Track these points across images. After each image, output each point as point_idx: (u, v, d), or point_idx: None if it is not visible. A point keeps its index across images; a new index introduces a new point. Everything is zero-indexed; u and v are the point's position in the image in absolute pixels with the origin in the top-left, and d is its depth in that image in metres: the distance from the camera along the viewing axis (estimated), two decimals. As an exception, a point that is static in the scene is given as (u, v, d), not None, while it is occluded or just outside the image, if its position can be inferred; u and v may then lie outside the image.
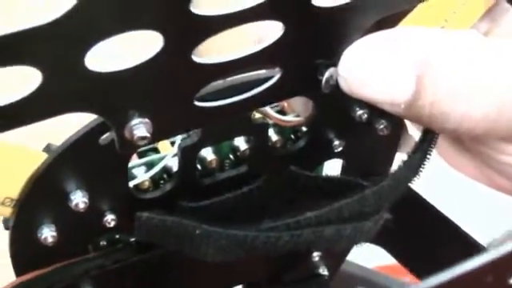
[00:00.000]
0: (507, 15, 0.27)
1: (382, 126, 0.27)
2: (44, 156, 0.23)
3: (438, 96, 0.23)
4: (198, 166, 0.26)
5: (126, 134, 0.22)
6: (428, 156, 0.26)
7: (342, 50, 0.23)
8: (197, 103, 0.22)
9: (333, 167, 0.29)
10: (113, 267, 0.26)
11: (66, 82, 0.19)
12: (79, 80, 0.19)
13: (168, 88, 0.21)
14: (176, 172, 0.25)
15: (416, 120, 0.24)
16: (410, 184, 0.27)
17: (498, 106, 0.23)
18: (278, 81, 0.23)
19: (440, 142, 0.30)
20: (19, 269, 0.24)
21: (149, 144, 0.22)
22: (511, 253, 0.15)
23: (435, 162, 0.29)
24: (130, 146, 0.22)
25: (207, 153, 0.26)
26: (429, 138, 0.26)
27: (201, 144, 0.25)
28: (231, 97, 0.23)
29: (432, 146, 0.26)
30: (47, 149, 0.23)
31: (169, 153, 0.26)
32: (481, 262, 0.14)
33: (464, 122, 0.23)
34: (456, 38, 0.24)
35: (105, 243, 0.27)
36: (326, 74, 0.23)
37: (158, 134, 0.22)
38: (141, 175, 0.25)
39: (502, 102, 0.23)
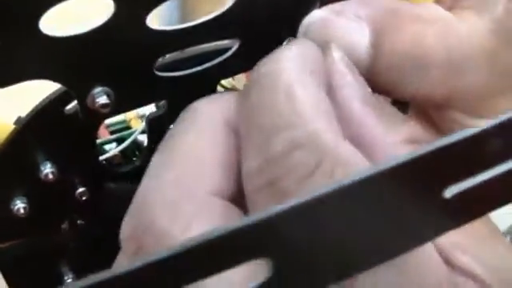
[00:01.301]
0: None
1: None
2: (14, 129, 0.24)
3: (395, 61, 0.23)
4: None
5: (89, 102, 0.22)
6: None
7: (301, 20, 0.24)
8: (158, 73, 0.23)
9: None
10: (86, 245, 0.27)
11: (23, 46, 0.20)
12: (35, 45, 0.20)
13: (124, 56, 0.22)
14: (146, 146, 0.26)
15: (376, 87, 0.24)
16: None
17: (454, 69, 0.24)
18: (238, 50, 0.24)
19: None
20: None
21: (113, 114, 0.23)
22: None
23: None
24: (93, 115, 0.23)
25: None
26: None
27: (168, 117, 0.25)
28: (193, 67, 0.24)
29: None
30: (18, 122, 0.24)
31: (138, 128, 0.27)
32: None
33: (422, 86, 0.24)
34: (414, 8, 0.24)
35: (82, 222, 0.27)
36: (285, 44, 0.24)
37: (121, 103, 0.23)
38: (112, 150, 0.26)
39: (459, 71, 0.24)
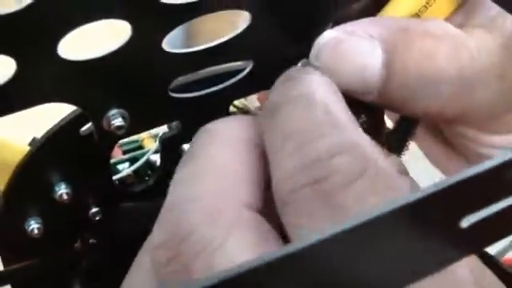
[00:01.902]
0: (481, 8, 0.27)
1: (360, 120, 0.28)
2: (30, 150, 0.24)
3: (407, 79, 0.23)
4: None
5: (104, 124, 0.22)
6: (405, 144, 0.26)
7: (313, 41, 0.24)
8: (172, 94, 0.23)
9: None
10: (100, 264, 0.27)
11: (40, 70, 0.20)
12: (53, 68, 0.20)
13: (140, 78, 0.22)
14: (159, 166, 0.26)
15: (388, 105, 0.25)
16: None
17: (465, 86, 0.24)
18: (251, 71, 0.24)
19: (425, 142, 0.30)
20: (6, 259, 0.25)
21: (128, 135, 0.23)
22: None
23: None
24: (108, 137, 0.23)
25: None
26: (403, 124, 0.26)
27: (181, 137, 0.25)
28: (207, 88, 0.24)
29: (407, 135, 0.26)
30: (33, 143, 0.24)
31: (151, 147, 0.27)
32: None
33: (433, 102, 0.24)
34: (424, 25, 0.24)
35: (94, 241, 0.27)
36: (299, 65, 0.24)
37: (136, 124, 0.23)
38: (125, 170, 0.26)
39: (470, 87, 0.24)
